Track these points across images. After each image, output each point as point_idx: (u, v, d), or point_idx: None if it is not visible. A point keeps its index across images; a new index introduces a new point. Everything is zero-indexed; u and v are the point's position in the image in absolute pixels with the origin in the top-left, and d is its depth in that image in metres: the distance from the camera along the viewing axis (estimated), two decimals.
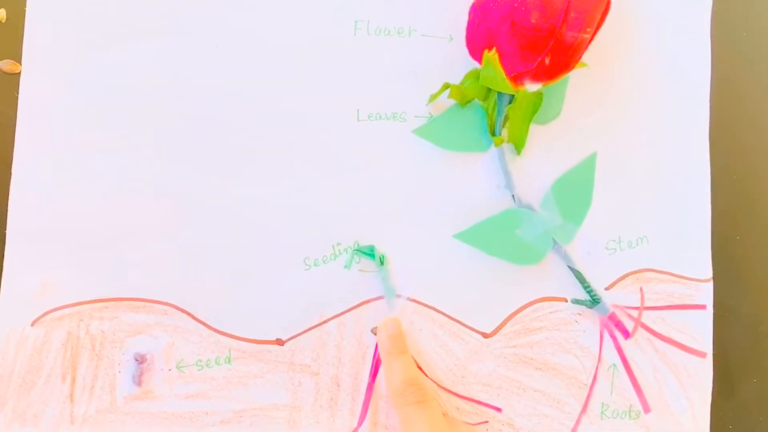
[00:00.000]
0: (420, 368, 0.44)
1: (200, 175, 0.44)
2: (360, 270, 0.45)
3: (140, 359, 0.43)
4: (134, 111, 0.44)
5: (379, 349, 0.44)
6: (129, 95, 0.45)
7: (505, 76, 0.43)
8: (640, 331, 0.46)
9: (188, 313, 0.43)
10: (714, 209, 0.47)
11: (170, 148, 0.44)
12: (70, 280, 0.43)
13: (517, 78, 0.44)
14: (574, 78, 0.47)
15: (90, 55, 0.44)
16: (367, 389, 0.44)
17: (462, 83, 0.45)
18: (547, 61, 0.43)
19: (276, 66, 0.46)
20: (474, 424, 0.44)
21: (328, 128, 0.45)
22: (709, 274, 0.47)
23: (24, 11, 0.44)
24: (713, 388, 0.46)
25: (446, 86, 0.45)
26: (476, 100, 0.45)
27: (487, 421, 0.45)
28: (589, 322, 0.46)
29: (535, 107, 0.45)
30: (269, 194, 0.45)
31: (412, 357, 0.44)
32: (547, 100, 0.45)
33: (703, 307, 0.47)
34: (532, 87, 0.44)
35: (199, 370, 0.43)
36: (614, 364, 0.46)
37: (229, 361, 0.43)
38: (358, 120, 0.45)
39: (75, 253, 0.43)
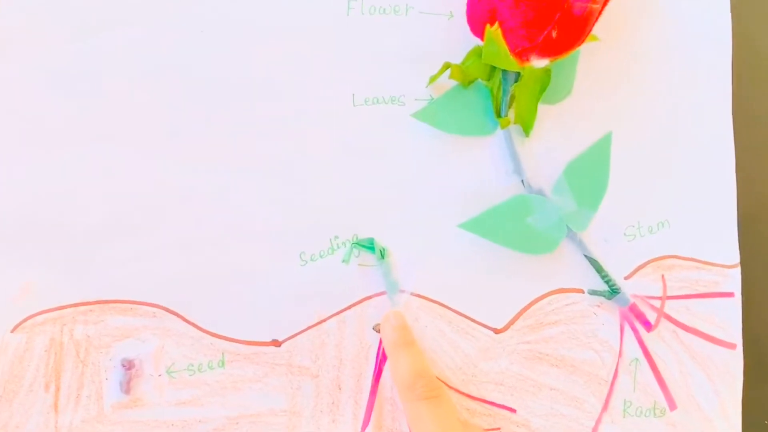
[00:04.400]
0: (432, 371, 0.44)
1: (187, 167, 0.45)
2: (360, 264, 0.45)
3: (128, 365, 0.43)
4: (114, 103, 0.45)
5: (384, 343, 0.43)
6: (108, 87, 0.45)
7: (509, 52, 0.44)
8: (664, 322, 0.46)
9: (178, 315, 0.44)
10: (740, 189, 0.48)
11: (154, 140, 0.45)
12: (51, 283, 0.43)
13: (522, 54, 0.44)
14: (584, 53, 0.47)
15: (64, 46, 0.45)
16: (370, 391, 0.44)
17: (464, 62, 0.45)
18: (554, 34, 0.43)
19: (265, 50, 0.46)
20: (488, 431, 0.45)
21: (322, 114, 0.46)
22: (737, 259, 0.47)
23: None
24: (744, 381, 0.46)
25: (447, 66, 0.45)
26: (480, 79, 0.46)
27: (499, 428, 0.45)
28: (608, 314, 0.46)
29: (543, 85, 0.45)
30: (261, 185, 0.45)
31: (423, 352, 0.44)
32: (556, 78, 0.46)
33: (730, 294, 0.47)
34: (538, 63, 0.44)
35: (190, 375, 0.43)
36: (636, 359, 0.46)
37: (223, 364, 0.43)
38: (354, 105, 0.46)
39: (56, 254, 0.43)
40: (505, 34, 0.43)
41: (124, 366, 0.43)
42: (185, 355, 0.43)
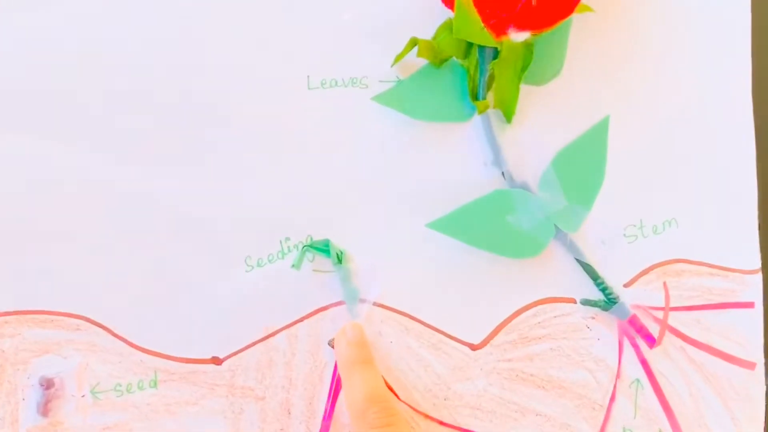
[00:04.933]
0: (391, 389, 0.42)
1: (115, 162, 0.43)
2: (314, 270, 0.43)
3: (47, 384, 0.41)
4: (33, 92, 0.43)
5: (338, 361, 0.41)
6: (28, 72, 0.43)
7: (483, 25, 0.42)
8: (670, 337, 0.44)
9: (105, 328, 0.42)
10: (761, 182, 0.46)
11: (77, 132, 0.43)
12: None
13: (498, 26, 0.42)
14: (577, 26, 0.45)
15: None
16: (324, 417, 0.42)
17: (434, 38, 0.44)
18: (533, 1, 0.41)
19: (205, 24, 0.44)
20: None
21: (271, 99, 0.44)
22: (758, 263, 0.45)
23: None
24: (766, 406, 0.44)
25: (414, 42, 0.43)
26: (453, 57, 0.44)
27: None
28: (605, 328, 0.44)
29: (525, 62, 0.44)
30: (200, 182, 0.43)
31: (380, 373, 0.41)
32: (542, 55, 0.44)
33: (750, 305, 0.45)
34: (518, 37, 0.42)
35: (118, 397, 0.41)
36: (638, 380, 0.44)
37: (155, 384, 0.41)
38: (309, 88, 0.44)
39: None
40: (478, 3, 0.41)
41: (42, 385, 0.41)
42: (112, 374, 0.41)
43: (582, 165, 0.44)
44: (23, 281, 0.41)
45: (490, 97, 0.44)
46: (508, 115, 0.44)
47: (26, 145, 0.42)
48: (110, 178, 0.42)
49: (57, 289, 0.42)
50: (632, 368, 0.43)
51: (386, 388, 0.40)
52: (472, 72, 0.43)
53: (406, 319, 0.43)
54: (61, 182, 0.42)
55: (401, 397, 0.42)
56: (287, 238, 0.43)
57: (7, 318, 0.41)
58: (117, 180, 0.42)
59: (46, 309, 0.41)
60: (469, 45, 0.43)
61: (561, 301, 0.44)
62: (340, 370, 0.41)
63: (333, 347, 0.42)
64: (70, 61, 0.43)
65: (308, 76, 0.44)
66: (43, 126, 0.42)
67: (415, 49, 0.43)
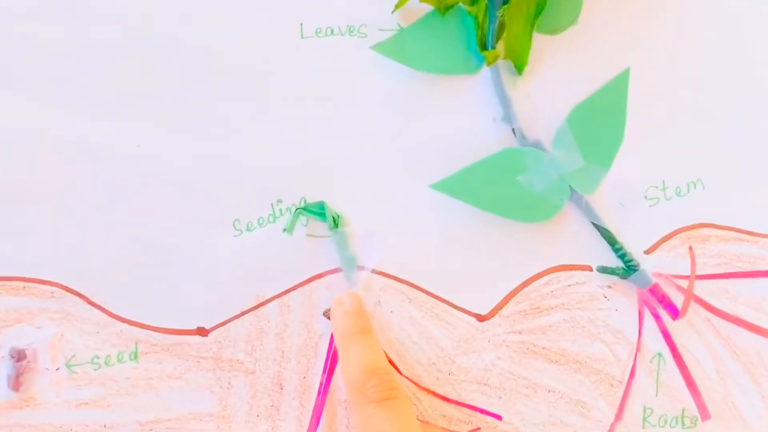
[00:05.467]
0: (392, 363, 0.41)
1: (93, 118, 0.42)
2: (308, 235, 0.42)
3: (18, 355, 0.40)
4: (8, 45, 0.42)
5: (334, 332, 0.40)
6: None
7: None
8: (694, 307, 0.43)
9: (81, 296, 0.41)
10: None
11: (53, 87, 0.42)
12: None
13: None
14: None
15: None
16: (319, 392, 0.41)
17: None
18: None
19: None
20: None
21: (262, 50, 0.43)
22: None
23: None
24: None
25: None
26: (460, 3, 0.43)
27: (479, 428, 0.41)
28: (624, 298, 0.43)
29: (539, 8, 0.43)
30: (186, 138, 0.42)
31: (380, 343, 0.40)
32: (558, 1, 0.43)
33: None
34: None
35: (95, 370, 0.40)
36: (660, 354, 0.42)
37: (136, 357, 0.41)
38: (303, 37, 0.43)
39: None
40: None
41: (13, 357, 0.40)
42: (89, 345, 0.41)
43: (600, 121, 0.43)
44: None
45: (500, 46, 0.43)
46: (519, 67, 0.43)
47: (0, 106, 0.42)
48: (88, 136, 0.42)
49: (30, 253, 0.41)
50: (653, 341, 0.42)
51: (386, 360, 0.39)
52: (480, 19, 0.42)
53: (408, 287, 0.42)
54: (36, 141, 0.42)
55: (402, 372, 0.41)
56: (279, 200, 0.42)
57: None
58: (95, 138, 0.42)
59: (17, 275, 0.41)
60: None
61: (576, 269, 0.42)
62: (336, 342, 0.40)
63: (328, 318, 0.41)
64: (50, 11, 0.42)
65: (301, 24, 0.43)
66: (17, 82, 0.42)
67: None
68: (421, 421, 0.40)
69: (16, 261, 0.41)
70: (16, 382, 0.40)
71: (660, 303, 0.42)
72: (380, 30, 0.43)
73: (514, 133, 0.43)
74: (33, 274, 0.41)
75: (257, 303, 0.41)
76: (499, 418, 0.41)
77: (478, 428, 0.41)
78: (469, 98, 0.43)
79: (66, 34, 0.42)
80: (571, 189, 0.42)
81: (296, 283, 0.41)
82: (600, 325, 0.42)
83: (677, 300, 0.42)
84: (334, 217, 0.41)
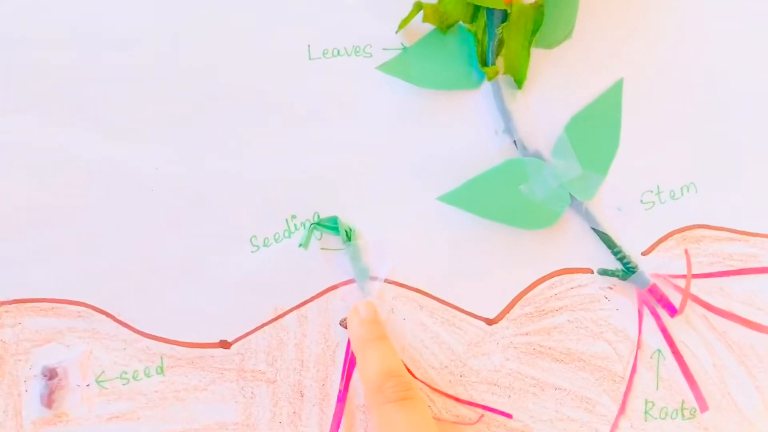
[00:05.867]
0: (406, 367, 0.41)
1: (116, 143, 0.42)
2: (322, 248, 0.42)
3: (50, 374, 0.40)
4: (36, 75, 0.42)
5: (351, 340, 0.41)
6: (17, 54, 0.42)
7: None
8: (691, 305, 0.43)
9: (108, 314, 0.41)
10: None
11: (76, 115, 0.42)
12: None
13: None
14: None
15: None
16: (338, 398, 0.41)
17: (440, 2, 0.43)
18: None
19: None
20: (471, 423, 0.42)
21: (271, 71, 0.43)
22: None
23: None
24: None
25: (419, 6, 0.43)
26: (460, 22, 0.43)
27: (482, 415, 0.42)
28: (624, 298, 0.43)
29: (536, 25, 0.43)
30: (203, 160, 0.42)
31: (395, 348, 0.41)
32: (553, 16, 0.44)
33: None
34: None
35: (124, 385, 0.41)
36: (659, 350, 0.43)
37: (162, 371, 0.41)
38: (310, 58, 0.43)
39: None
40: None
41: (45, 375, 0.40)
42: (117, 361, 0.41)
43: (596, 130, 0.44)
44: (22, 269, 0.41)
45: (500, 62, 0.43)
46: (519, 81, 0.43)
47: (26, 130, 0.42)
48: (110, 159, 0.42)
49: (57, 275, 0.41)
50: (653, 338, 0.43)
51: (402, 363, 0.40)
52: (480, 37, 0.43)
53: (419, 295, 0.42)
54: (61, 166, 0.42)
55: (416, 375, 0.41)
56: (293, 216, 0.42)
57: (7, 307, 0.41)
58: (118, 162, 0.42)
59: (46, 297, 0.41)
60: (477, 8, 0.43)
61: (578, 272, 0.43)
62: (354, 349, 0.40)
63: (345, 327, 0.41)
64: (67, 39, 0.42)
65: (309, 46, 0.43)
66: (43, 109, 0.42)
67: (421, 14, 0.42)
68: (436, 419, 0.41)
69: (44, 283, 0.41)
70: (49, 400, 0.40)
71: (658, 302, 0.43)
72: (384, 49, 0.43)
73: (516, 144, 0.43)
74: (60, 295, 0.41)
75: (276, 315, 0.42)
76: (509, 416, 0.42)
77: (482, 415, 0.42)
78: (472, 112, 0.43)
79: (86, 60, 0.42)
80: (571, 196, 0.43)
81: (313, 294, 0.42)
82: (602, 324, 0.43)
83: (675, 299, 0.43)
84: (346, 231, 0.42)
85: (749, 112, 0.44)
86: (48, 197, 0.41)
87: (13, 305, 0.41)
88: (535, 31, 0.42)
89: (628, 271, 0.43)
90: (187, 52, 0.42)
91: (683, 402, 0.43)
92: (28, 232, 0.41)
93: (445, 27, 0.43)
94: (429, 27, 0.43)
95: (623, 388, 0.42)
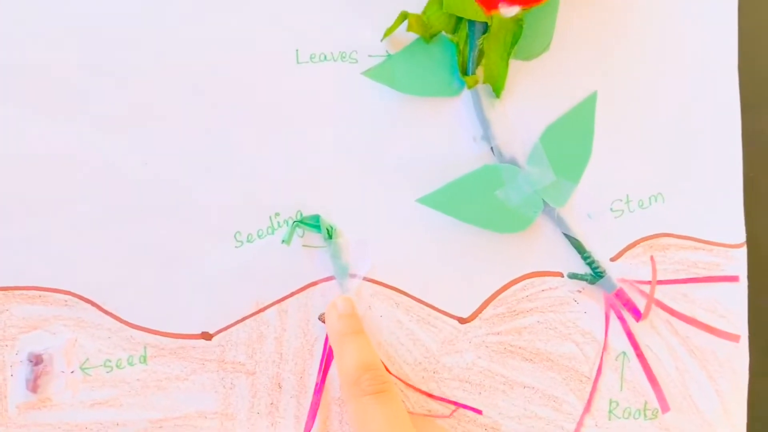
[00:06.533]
0: (381, 362, 0.42)
1: (101, 134, 0.42)
2: (304, 246, 0.43)
3: (36, 360, 0.41)
4: (23, 66, 0.42)
5: (329, 333, 0.42)
6: (17, 45, 0.42)
7: None
8: (656, 310, 0.44)
9: (94, 303, 0.41)
10: (746, 156, 0.45)
11: (65, 105, 0.42)
12: None
13: (488, 0, 0.41)
14: (565, 1, 0.44)
15: None
16: (315, 391, 0.42)
17: (424, 12, 0.43)
18: None
19: (193, 0, 0.43)
20: (444, 417, 0.43)
21: (260, 73, 0.43)
22: (742, 237, 0.45)
23: None
24: (749, 379, 0.45)
25: (404, 16, 0.42)
26: (443, 32, 0.43)
27: (454, 410, 0.43)
28: (592, 302, 0.44)
29: (515, 38, 0.43)
30: (189, 155, 0.43)
31: (371, 343, 0.42)
32: (532, 29, 0.44)
33: (735, 278, 0.45)
34: (508, 12, 0.42)
35: (108, 372, 0.41)
36: (624, 353, 0.44)
37: (145, 360, 0.42)
38: (298, 62, 0.43)
39: None
40: None
41: (31, 361, 0.41)
42: (101, 350, 0.41)
43: (570, 140, 0.44)
44: (10, 256, 0.41)
45: (480, 72, 0.43)
46: (497, 90, 0.43)
47: (12, 117, 0.42)
48: (99, 151, 0.42)
49: (45, 264, 0.41)
50: (619, 341, 0.44)
51: (378, 357, 0.40)
52: (461, 47, 0.43)
53: (396, 293, 0.43)
54: (49, 155, 0.42)
55: (391, 371, 0.42)
56: (277, 214, 0.43)
57: None
58: (105, 154, 0.42)
59: (34, 284, 0.41)
60: (459, 20, 0.42)
61: (549, 275, 0.44)
62: (331, 342, 0.41)
63: (323, 321, 0.42)
64: (61, 36, 0.42)
65: (297, 50, 0.43)
66: (31, 99, 0.42)
67: (405, 23, 0.42)
68: (409, 413, 0.41)
69: (32, 271, 0.41)
70: (34, 385, 0.40)
71: (624, 306, 0.44)
72: (370, 56, 0.43)
73: (493, 151, 0.43)
74: (48, 284, 0.41)
75: (257, 309, 0.42)
76: (479, 412, 0.42)
77: (454, 410, 0.42)
78: (452, 119, 0.44)
79: (77, 57, 0.42)
80: (544, 202, 0.43)
81: (293, 290, 0.42)
82: (570, 326, 0.43)
83: (640, 303, 0.44)
84: (328, 229, 0.42)
85: (715, 128, 0.45)
86: (38, 188, 0.41)
87: (1, 292, 0.41)
88: (514, 44, 0.42)
89: (596, 275, 0.44)
90: (178, 51, 0.42)
91: (646, 403, 0.43)
92: (18, 221, 0.41)
93: (428, 36, 0.43)
94: (413, 36, 0.43)
95: (589, 388, 0.43)
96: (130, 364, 0.41)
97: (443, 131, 0.44)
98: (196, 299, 0.42)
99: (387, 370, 0.42)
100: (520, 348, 0.43)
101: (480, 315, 0.43)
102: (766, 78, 0.47)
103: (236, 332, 0.42)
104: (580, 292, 0.44)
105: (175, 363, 0.42)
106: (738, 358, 0.44)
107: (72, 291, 0.41)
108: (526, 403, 0.43)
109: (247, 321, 0.42)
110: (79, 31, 0.42)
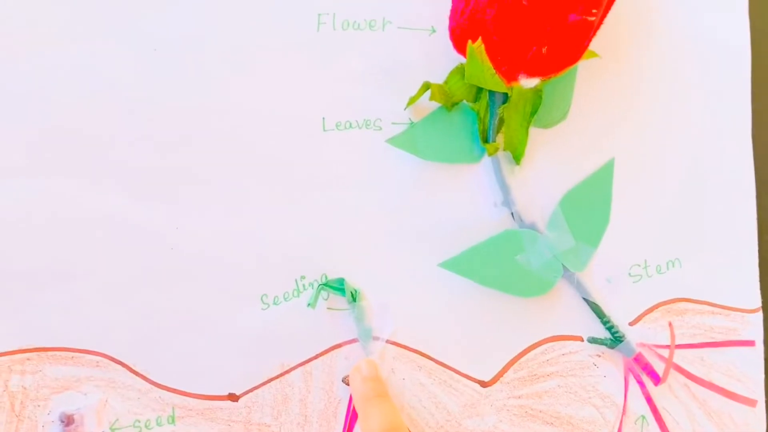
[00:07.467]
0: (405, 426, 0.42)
1: (134, 200, 0.43)
2: (328, 308, 0.43)
3: (67, 420, 0.41)
4: (54, 131, 0.43)
5: (353, 396, 0.42)
6: (41, 111, 0.43)
7: (494, 71, 0.42)
8: (674, 374, 0.45)
9: (124, 365, 0.42)
10: (761, 223, 0.46)
11: (96, 168, 0.43)
12: None
13: (509, 72, 0.42)
14: (583, 71, 0.46)
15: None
16: None
17: (446, 82, 0.44)
18: (544, 50, 0.41)
19: (225, 70, 0.44)
20: None
21: (288, 140, 0.44)
22: (758, 302, 0.46)
23: None
24: None
25: (427, 86, 0.43)
26: (464, 101, 0.45)
27: None
28: (611, 365, 0.44)
29: (535, 107, 0.44)
30: (218, 220, 0.43)
31: (395, 406, 0.41)
32: (550, 99, 0.45)
33: (751, 343, 0.45)
34: (528, 83, 0.43)
35: None
36: (643, 416, 0.44)
37: (173, 420, 0.42)
38: (324, 130, 0.44)
39: None
40: (490, 50, 0.42)
41: (62, 421, 0.41)
42: (131, 410, 0.42)
43: (588, 206, 0.45)
44: (44, 319, 0.41)
45: (500, 139, 0.44)
46: (517, 157, 0.44)
47: (47, 184, 0.42)
48: (130, 216, 0.43)
49: (77, 326, 0.42)
50: (638, 405, 0.44)
51: (402, 420, 0.40)
52: (482, 115, 0.44)
53: (418, 356, 0.43)
54: (82, 220, 0.42)
55: None
56: (302, 277, 0.43)
57: (29, 355, 0.41)
58: (136, 218, 0.43)
59: (66, 346, 0.42)
60: (480, 89, 0.43)
61: (569, 339, 0.44)
62: (356, 405, 0.41)
63: (347, 384, 0.42)
64: (94, 101, 0.43)
65: (323, 118, 0.44)
66: (63, 165, 0.42)
67: (428, 92, 0.43)
68: None
69: (65, 333, 0.41)
70: None
71: (643, 370, 0.44)
72: (393, 123, 0.44)
73: (513, 216, 0.44)
74: (80, 345, 0.41)
75: (282, 371, 0.42)
76: None
77: None
78: (473, 185, 0.44)
79: (113, 125, 0.42)
80: (564, 267, 0.44)
81: (318, 352, 0.43)
82: (590, 390, 0.44)
83: (658, 367, 0.44)
84: (352, 293, 0.43)
85: (730, 195, 0.46)
86: (71, 252, 0.42)
87: (35, 353, 0.41)
88: (533, 113, 0.43)
89: (615, 340, 0.44)
90: (209, 119, 0.43)
91: None
92: (52, 285, 0.41)
93: (450, 105, 0.44)
94: (435, 104, 0.44)
95: None
96: (159, 424, 0.41)
97: (464, 197, 0.44)
98: (224, 361, 0.42)
99: None
100: (540, 412, 0.43)
101: (501, 378, 0.43)
102: None
103: (262, 394, 0.42)
104: (599, 356, 0.44)
105: (203, 424, 0.42)
106: (755, 421, 0.44)
107: (103, 352, 0.42)
108: None
109: (272, 383, 0.42)
110: (113, 96, 0.43)
